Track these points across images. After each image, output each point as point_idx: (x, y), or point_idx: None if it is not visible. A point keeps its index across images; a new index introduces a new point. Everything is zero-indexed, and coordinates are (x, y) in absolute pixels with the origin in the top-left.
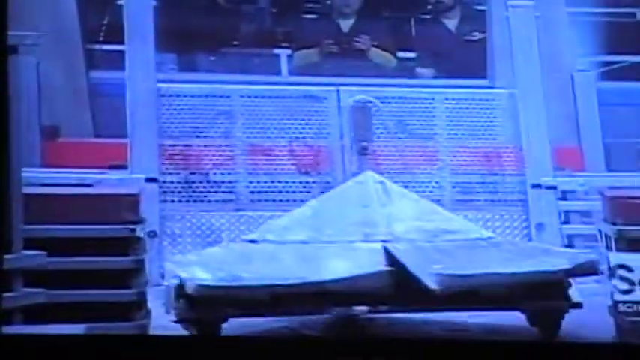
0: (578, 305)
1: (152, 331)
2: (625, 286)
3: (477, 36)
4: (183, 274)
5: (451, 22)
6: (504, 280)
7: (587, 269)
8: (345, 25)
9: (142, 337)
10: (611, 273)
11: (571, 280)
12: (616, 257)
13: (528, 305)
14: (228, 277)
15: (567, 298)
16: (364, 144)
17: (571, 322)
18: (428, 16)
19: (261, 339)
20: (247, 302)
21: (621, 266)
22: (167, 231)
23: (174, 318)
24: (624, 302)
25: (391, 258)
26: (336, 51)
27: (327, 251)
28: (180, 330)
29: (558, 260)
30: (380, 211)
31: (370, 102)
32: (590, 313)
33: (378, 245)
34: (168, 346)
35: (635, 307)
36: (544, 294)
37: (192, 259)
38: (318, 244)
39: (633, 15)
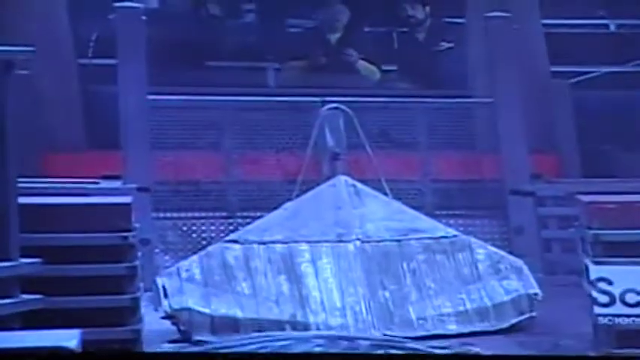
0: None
1: (145, 335)
2: (605, 299)
3: (444, 46)
4: (175, 305)
5: (421, 35)
6: None
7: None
8: (333, 38)
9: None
10: (592, 285)
11: None
12: (596, 270)
13: None
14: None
15: None
16: (337, 150)
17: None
18: (405, 30)
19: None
20: None
21: (601, 279)
22: (159, 238)
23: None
24: (605, 315)
25: None
26: (325, 63)
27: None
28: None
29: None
30: (352, 213)
31: (340, 109)
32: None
33: (351, 246)
34: None
35: (615, 321)
36: None
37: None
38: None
39: (607, 27)
